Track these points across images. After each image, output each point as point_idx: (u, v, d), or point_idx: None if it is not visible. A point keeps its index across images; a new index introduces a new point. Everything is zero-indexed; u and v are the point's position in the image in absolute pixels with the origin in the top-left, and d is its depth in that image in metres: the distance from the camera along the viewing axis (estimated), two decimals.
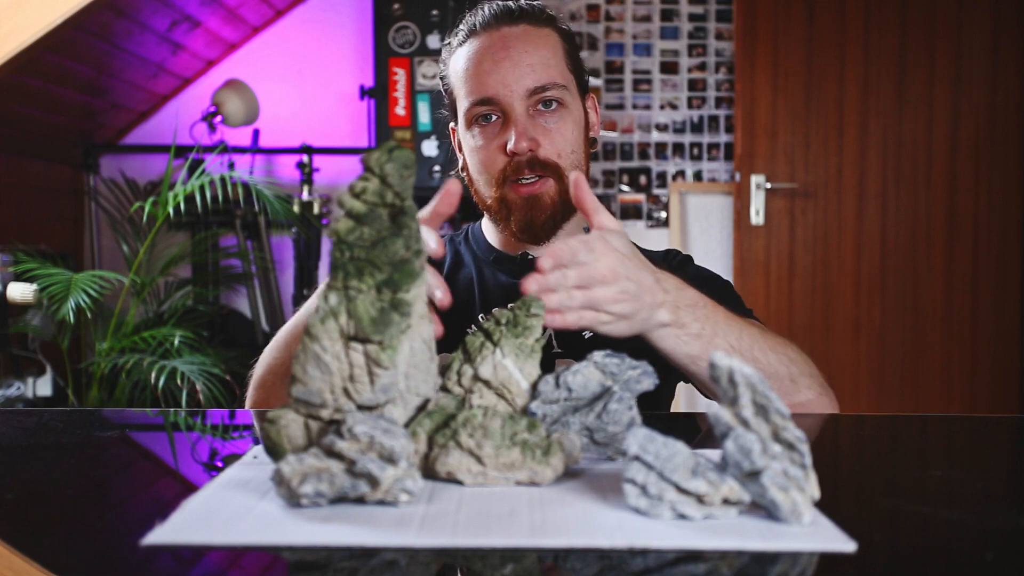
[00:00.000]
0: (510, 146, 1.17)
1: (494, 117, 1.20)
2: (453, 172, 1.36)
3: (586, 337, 1.20)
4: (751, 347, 1.00)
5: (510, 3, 1.24)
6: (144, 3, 2.91)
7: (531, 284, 0.82)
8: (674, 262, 1.28)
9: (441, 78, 1.29)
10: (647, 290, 0.91)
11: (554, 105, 1.19)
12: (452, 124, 1.31)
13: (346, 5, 3.69)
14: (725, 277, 1.30)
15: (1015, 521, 0.62)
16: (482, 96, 1.19)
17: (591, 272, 0.86)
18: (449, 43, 1.27)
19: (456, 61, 1.24)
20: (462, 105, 1.23)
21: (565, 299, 0.85)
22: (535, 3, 1.26)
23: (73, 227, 3.55)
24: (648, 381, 0.71)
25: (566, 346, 1.20)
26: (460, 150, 1.30)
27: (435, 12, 3.38)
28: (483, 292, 1.26)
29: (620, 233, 0.92)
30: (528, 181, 1.19)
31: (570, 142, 1.21)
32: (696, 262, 1.32)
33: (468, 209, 3.48)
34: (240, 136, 3.53)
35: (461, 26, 1.25)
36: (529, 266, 1.26)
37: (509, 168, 1.19)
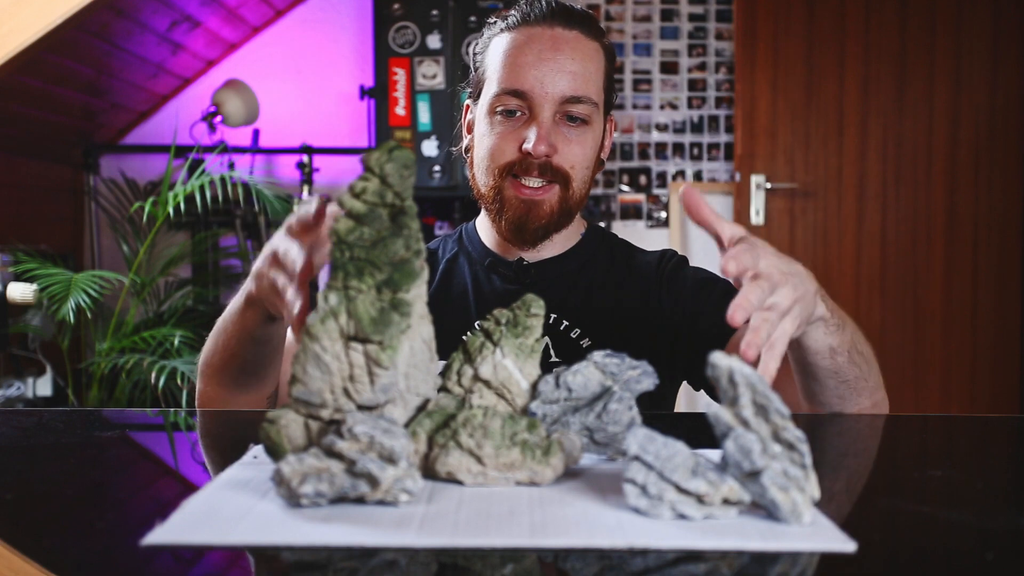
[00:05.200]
0: (527, 146, 1.15)
1: (519, 113, 1.17)
2: (455, 149, 1.34)
3: (584, 346, 1.19)
4: (858, 338, 0.99)
5: (569, 5, 1.21)
6: (144, 3, 2.91)
7: (739, 314, 0.75)
8: (670, 263, 1.27)
9: (475, 54, 1.26)
10: (806, 282, 0.84)
11: (579, 121, 1.18)
12: (468, 101, 1.28)
13: (346, 5, 3.70)
14: (725, 278, 1.29)
15: (1015, 521, 0.62)
16: (516, 88, 1.16)
17: (773, 282, 0.78)
18: (495, 22, 1.24)
19: (499, 42, 1.21)
20: (490, 89, 1.20)
21: (768, 325, 0.77)
22: (591, 13, 1.24)
23: (73, 227, 3.55)
24: (648, 381, 0.71)
25: (564, 355, 1.19)
26: (469, 131, 1.27)
27: (435, 12, 3.38)
28: (479, 298, 1.24)
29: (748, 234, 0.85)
30: (532, 184, 1.17)
31: (585, 157, 1.19)
32: (694, 263, 1.31)
33: (467, 208, 3.48)
34: (240, 136, 3.53)
35: (514, 10, 1.22)
36: (525, 272, 1.25)
37: (518, 164, 1.17)
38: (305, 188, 3.41)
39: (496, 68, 1.19)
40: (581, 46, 1.19)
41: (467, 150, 1.27)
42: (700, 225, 0.85)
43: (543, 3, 1.20)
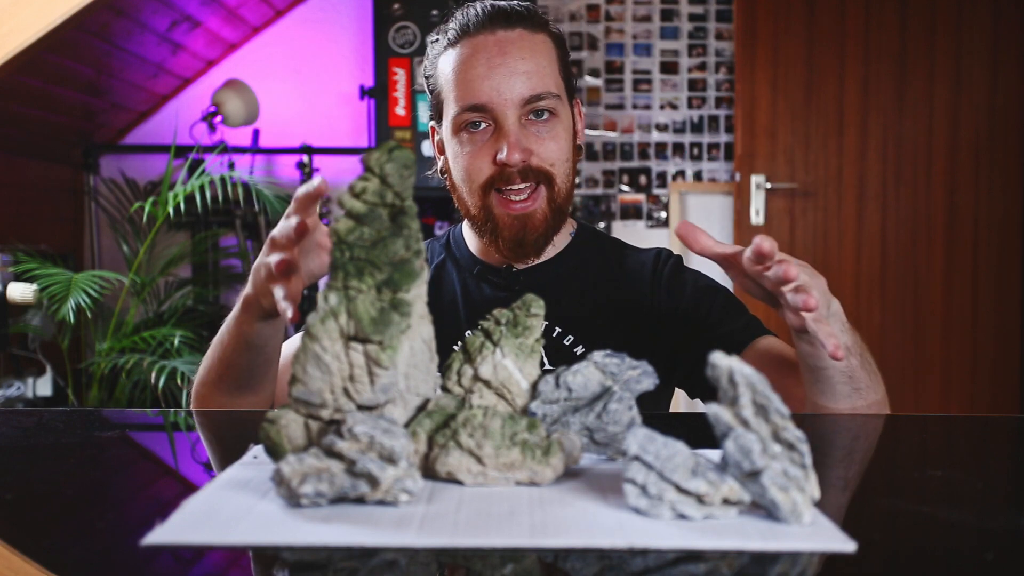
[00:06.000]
0: (501, 156, 1.13)
1: (483, 125, 1.15)
2: (431, 172, 1.31)
3: (578, 353, 1.18)
4: (865, 348, 1.01)
5: (504, 4, 1.18)
6: (144, 3, 2.91)
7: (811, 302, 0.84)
8: (667, 265, 1.25)
9: (426, 77, 1.23)
10: (819, 276, 0.92)
11: (546, 115, 1.16)
12: (432, 123, 1.26)
13: (346, 5, 3.70)
14: (725, 277, 1.28)
15: (1015, 521, 0.62)
16: (474, 103, 1.14)
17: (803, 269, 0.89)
18: (437, 39, 1.21)
19: (446, 62, 1.19)
20: (450, 110, 1.17)
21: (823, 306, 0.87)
22: (529, 5, 1.21)
23: (73, 227, 3.55)
24: (648, 381, 0.71)
25: (557, 364, 1.18)
26: (441, 152, 1.25)
27: (435, 12, 3.38)
28: (468, 305, 1.22)
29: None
30: (520, 197, 1.15)
31: (562, 150, 1.17)
32: (693, 264, 1.29)
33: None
34: (240, 136, 3.53)
35: (451, 23, 1.20)
36: (515, 279, 1.23)
37: (498, 177, 1.15)
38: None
39: (450, 87, 1.17)
40: (528, 43, 1.16)
41: (443, 172, 1.25)
42: (702, 255, 0.91)
43: (478, 10, 1.18)
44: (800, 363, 0.99)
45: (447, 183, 1.24)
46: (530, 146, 1.15)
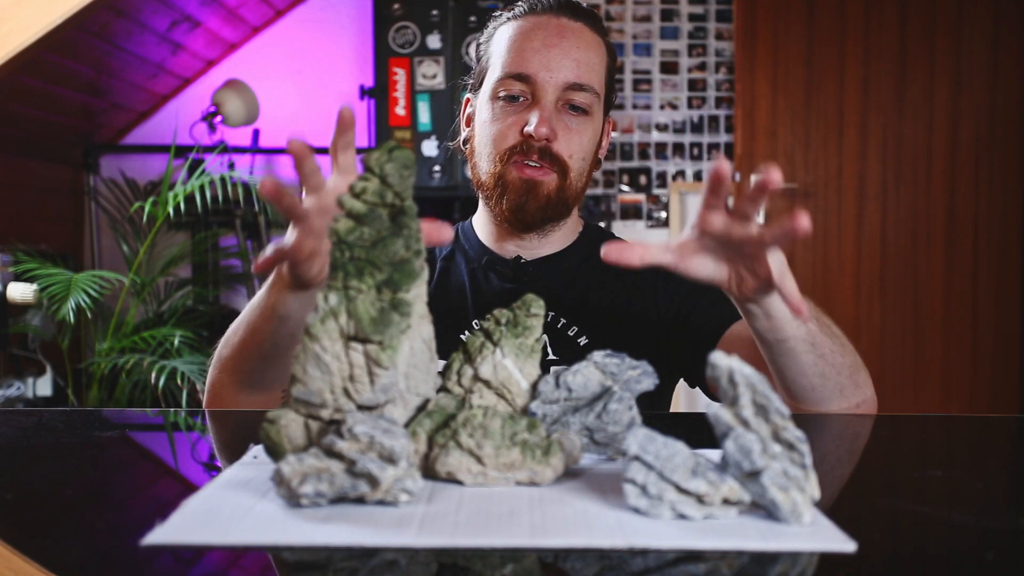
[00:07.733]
0: (529, 128, 1.16)
1: (522, 98, 1.18)
2: (452, 143, 1.34)
3: (581, 344, 1.19)
4: (829, 331, 0.98)
5: (576, 0, 1.24)
6: (144, 3, 2.91)
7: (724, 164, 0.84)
8: None
9: (478, 44, 1.27)
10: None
11: (580, 111, 1.19)
12: (468, 95, 1.29)
13: (346, 5, 3.70)
14: None
15: (1015, 521, 0.62)
16: (520, 71, 1.17)
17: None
18: (500, 14, 1.25)
19: (504, 31, 1.22)
20: (493, 74, 1.21)
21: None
22: (595, 12, 1.26)
23: (73, 227, 3.56)
24: (648, 381, 0.71)
25: (561, 353, 1.19)
26: (468, 124, 1.28)
27: (435, 12, 3.38)
28: (476, 296, 1.23)
29: None
30: (533, 164, 1.17)
31: (584, 148, 1.20)
32: None
33: (467, 207, 3.48)
34: (240, 136, 3.53)
35: (520, 2, 1.24)
36: (522, 270, 1.25)
37: (519, 148, 1.17)
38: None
39: (500, 54, 1.21)
40: (586, 36, 1.21)
41: (466, 142, 1.28)
42: (645, 265, 0.90)
43: None
44: (761, 348, 0.98)
45: (466, 153, 1.27)
46: (557, 130, 1.17)
